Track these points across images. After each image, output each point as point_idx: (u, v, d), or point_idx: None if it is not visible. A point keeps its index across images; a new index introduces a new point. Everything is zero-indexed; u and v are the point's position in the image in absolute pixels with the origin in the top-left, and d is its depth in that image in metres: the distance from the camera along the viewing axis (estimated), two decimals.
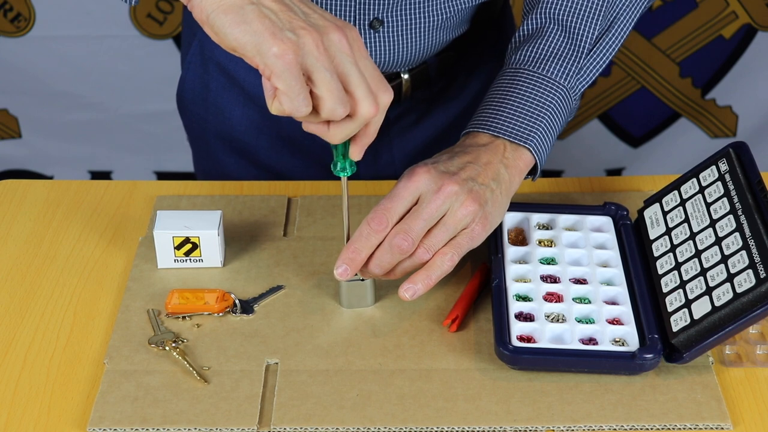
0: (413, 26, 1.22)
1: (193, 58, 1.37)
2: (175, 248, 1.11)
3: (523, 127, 1.10)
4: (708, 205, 1.07)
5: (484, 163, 1.06)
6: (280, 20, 0.89)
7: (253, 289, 1.10)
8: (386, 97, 0.93)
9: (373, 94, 0.92)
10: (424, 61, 1.28)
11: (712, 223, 1.05)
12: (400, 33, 1.22)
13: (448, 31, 1.26)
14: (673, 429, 0.96)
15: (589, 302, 1.05)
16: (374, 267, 1.03)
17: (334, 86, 0.90)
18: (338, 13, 1.19)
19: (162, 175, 2.45)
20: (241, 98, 1.34)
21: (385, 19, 1.20)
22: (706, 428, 0.96)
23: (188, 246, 1.11)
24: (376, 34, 1.21)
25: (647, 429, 0.96)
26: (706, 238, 1.04)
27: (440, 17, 1.22)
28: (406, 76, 1.28)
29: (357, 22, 1.19)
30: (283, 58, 0.88)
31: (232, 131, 1.37)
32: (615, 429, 0.96)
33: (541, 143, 1.10)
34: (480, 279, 1.09)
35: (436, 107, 1.36)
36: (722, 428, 0.96)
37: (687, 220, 1.08)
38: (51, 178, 2.40)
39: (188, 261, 1.12)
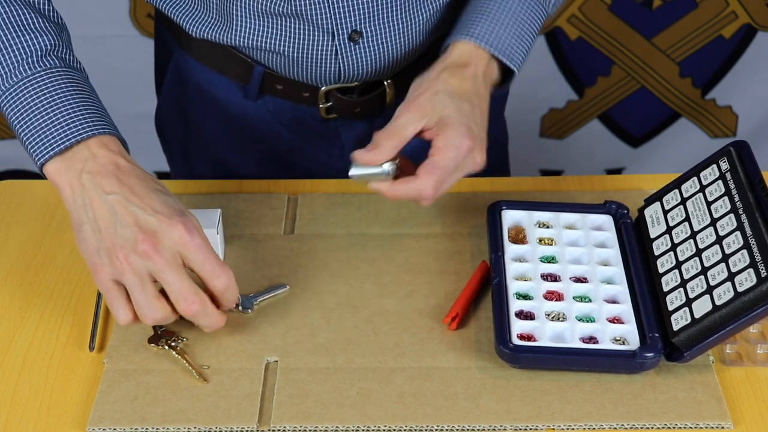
0: (392, 34, 1.21)
1: (170, 84, 1.36)
2: None
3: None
4: (709, 204, 1.07)
5: (477, 102, 1.11)
6: (101, 240, 0.96)
7: (253, 288, 1.10)
8: (220, 281, 0.98)
9: (185, 295, 0.96)
10: (405, 68, 1.28)
11: (713, 222, 1.05)
12: (380, 42, 1.21)
13: (427, 34, 1.25)
14: (674, 428, 0.96)
15: (590, 301, 1.05)
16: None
17: (138, 296, 0.96)
18: (316, 28, 1.19)
19: (162, 175, 2.45)
20: (222, 118, 1.33)
21: (364, 30, 1.20)
22: (706, 427, 0.96)
23: None
24: (356, 46, 1.21)
25: (647, 428, 0.96)
26: (706, 237, 1.04)
27: (418, 20, 1.22)
28: (388, 81, 1.27)
29: (336, 36, 1.19)
30: (96, 279, 0.97)
31: (216, 152, 1.36)
32: (615, 428, 0.95)
33: (487, 30, 1.14)
34: (480, 277, 1.09)
35: None
36: (723, 427, 0.96)
37: (688, 218, 1.08)
38: None
39: None
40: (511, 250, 1.10)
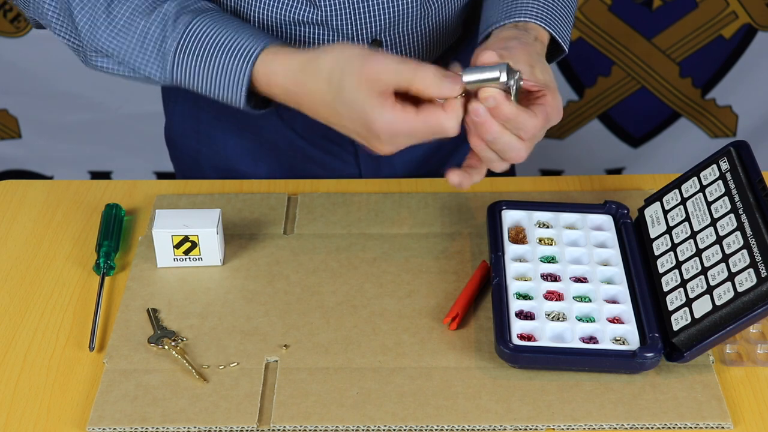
0: (411, 42, 1.22)
1: (184, 93, 1.35)
2: (174, 247, 1.11)
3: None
4: (709, 204, 1.07)
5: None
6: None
7: (254, 287, 1.10)
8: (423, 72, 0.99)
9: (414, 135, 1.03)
10: None
11: (713, 222, 1.05)
12: (398, 51, 1.22)
13: (443, 41, 1.26)
14: (674, 428, 0.95)
15: (590, 301, 1.05)
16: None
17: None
18: (340, 36, 1.19)
19: (162, 175, 2.45)
20: (236, 127, 1.33)
21: (384, 39, 1.20)
22: (706, 427, 0.96)
23: (187, 245, 1.11)
24: None
25: (648, 428, 0.96)
26: (706, 237, 1.04)
27: (436, 28, 1.22)
28: None
29: (357, 45, 1.19)
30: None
31: (228, 161, 1.36)
32: (615, 428, 0.95)
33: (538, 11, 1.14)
34: (480, 277, 1.09)
35: None
36: (723, 427, 0.96)
37: (688, 218, 1.08)
38: (51, 178, 2.39)
39: (188, 260, 1.12)
40: (511, 250, 1.10)
